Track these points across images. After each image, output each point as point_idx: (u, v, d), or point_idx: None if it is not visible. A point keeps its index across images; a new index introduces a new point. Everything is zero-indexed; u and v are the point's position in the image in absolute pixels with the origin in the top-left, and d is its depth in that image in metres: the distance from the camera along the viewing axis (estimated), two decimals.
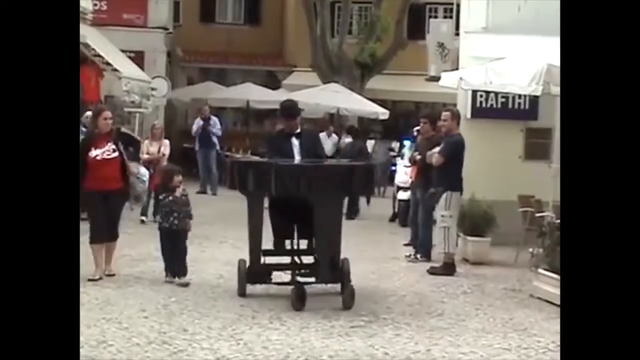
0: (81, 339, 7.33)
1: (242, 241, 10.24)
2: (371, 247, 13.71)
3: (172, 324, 8.10)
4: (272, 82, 30.91)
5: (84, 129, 15.12)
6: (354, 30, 29.71)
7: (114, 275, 10.26)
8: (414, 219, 12.97)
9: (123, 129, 11.10)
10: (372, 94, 27.42)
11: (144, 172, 10.76)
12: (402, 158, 17.28)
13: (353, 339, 7.88)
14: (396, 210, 17.19)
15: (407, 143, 17.54)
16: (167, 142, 15.67)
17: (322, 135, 24.41)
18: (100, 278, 9.96)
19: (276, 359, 7.18)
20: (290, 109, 10.15)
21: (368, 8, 28.80)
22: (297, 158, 9.60)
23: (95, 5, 23.15)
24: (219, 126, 21.55)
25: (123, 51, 22.68)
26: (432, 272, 11.38)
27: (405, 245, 13.39)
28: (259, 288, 9.56)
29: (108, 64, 19.32)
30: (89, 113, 15.27)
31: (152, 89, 22.51)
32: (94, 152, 10.00)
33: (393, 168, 18.32)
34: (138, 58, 24.51)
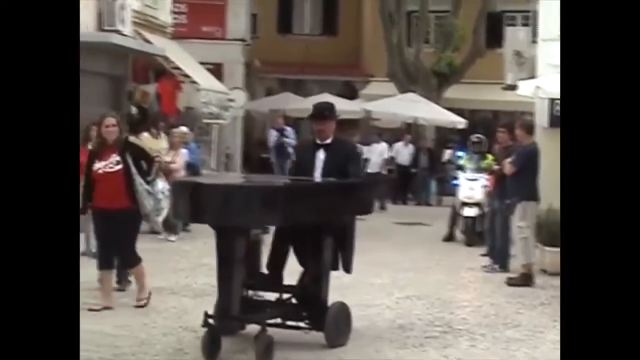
0: (157, 347, 7.47)
1: None
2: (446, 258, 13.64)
3: None
4: (349, 92, 30.98)
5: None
6: (430, 39, 29.59)
7: (142, 306, 9.04)
8: (491, 229, 12.85)
9: (132, 139, 9.61)
10: (449, 103, 27.30)
11: (161, 187, 9.17)
12: (463, 171, 15.82)
13: (427, 349, 7.84)
14: (462, 227, 15.63)
15: (462, 154, 17.10)
16: (184, 152, 14.96)
17: (399, 144, 24.51)
18: (104, 308, 8.80)
19: None
20: (320, 111, 7.99)
21: (445, 17, 28.68)
22: (317, 176, 7.76)
23: (175, 18, 23.51)
24: (293, 136, 21.66)
25: (202, 63, 22.98)
26: (511, 283, 11.26)
27: (482, 255, 13.28)
28: None
29: (186, 76, 19.60)
30: (183, 128, 15.65)
31: (230, 100, 22.78)
32: (97, 165, 8.86)
33: (455, 182, 16.51)
34: (217, 70, 24.84)
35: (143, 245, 13.12)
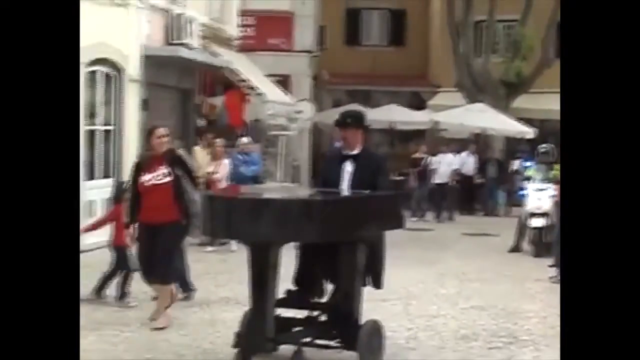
0: (220, 356, 7.52)
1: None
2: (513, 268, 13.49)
3: None
4: (417, 102, 30.91)
5: (239, 156, 15.41)
6: (499, 48, 29.36)
7: (161, 328, 8.49)
8: (559, 240, 12.67)
9: (179, 151, 9.35)
10: (518, 113, 27.02)
11: None
12: (531, 181, 15.68)
13: None
14: (529, 238, 15.40)
15: (530, 164, 16.90)
16: (226, 162, 14.57)
17: (463, 154, 24.29)
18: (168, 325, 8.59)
19: None
20: (343, 118, 7.46)
21: (513, 26, 28.42)
22: (344, 188, 7.31)
23: (243, 31, 23.73)
24: None
25: (269, 75, 23.15)
26: None
27: (550, 266, 13.09)
28: None
29: (253, 88, 19.76)
30: (244, 139, 15.76)
31: (298, 112, 22.88)
32: (144, 177, 8.52)
33: (522, 192, 16.33)
34: (284, 82, 24.98)
35: (211, 257, 13.32)
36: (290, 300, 7.14)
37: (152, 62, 16.46)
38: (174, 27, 17.36)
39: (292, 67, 26.18)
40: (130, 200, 8.67)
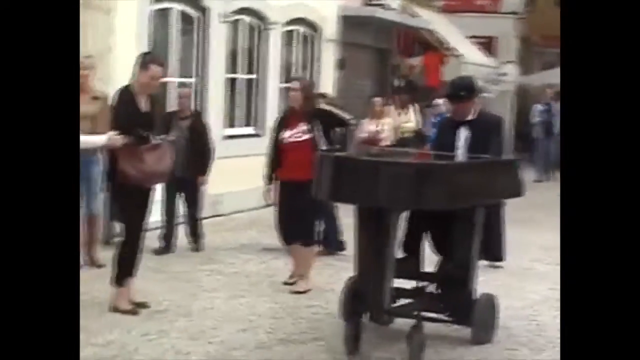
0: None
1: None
2: None
3: None
4: None
5: (432, 119, 15.36)
6: None
7: (304, 291, 8.29)
8: None
9: (324, 105, 8.79)
10: None
11: None
12: None
13: None
14: None
15: None
16: (389, 120, 13.66)
17: None
18: (294, 282, 8.46)
19: None
20: (455, 92, 7.11)
21: None
22: (460, 154, 6.97)
23: None
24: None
25: (474, 37, 23.02)
26: None
27: None
28: None
29: (451, 49, 19.79)
30: (439, 100, 15.83)
31: (501, 74, 22.62)
32: (284, 134, 8.33)
33: None
34: (489, 44, 24.76)
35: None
36: (398, 269, 6.49)
37: (349, 23, 16.84)
38: None
39: (498, 29, 25.84)
40: (270, 156, 8.51)
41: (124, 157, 7.08)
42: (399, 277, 6.56)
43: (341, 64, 16.91)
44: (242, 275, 9.02)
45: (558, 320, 6.00)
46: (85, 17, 10.17)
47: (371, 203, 6.10)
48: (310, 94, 8.41)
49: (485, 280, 7.59)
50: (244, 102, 13.99)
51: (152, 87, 7.35)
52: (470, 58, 20.12)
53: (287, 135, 8.28)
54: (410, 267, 6.86)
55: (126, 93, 7.27)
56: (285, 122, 8.42)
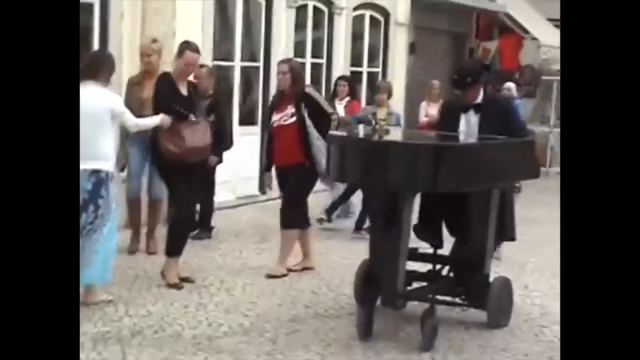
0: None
1: None
2: None
3: None
4: None
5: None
6: None
7: (280, 276, 8.12)
8: None
9: (309, 90, 8.31)
10: None
11: None
12: None
13: None
14: None
15: None
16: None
17: None
18: (286, 274, 8.19)
19: None
20: (460, 79, 6.87)
21: None
22: (466, 138, 6.85)
23: None
24: None
25: (556, 20, 22.63)
26: None
27: None
28: None
29: (528, 32, 19.60)
30: (509, 84, 15.73)
31: None
32: (273, 118, 8.20)
33: None
34: None
35: None
36: (412, 252, 6.54)
37: (421, 6, 16.86)
38: None
39: None
40: (268, 142, 8.46)
41: (165, 136, 7.40)
42: (414, 260, 6.59)
43: (412, 48, 16.96)
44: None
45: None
46: (151, 3, 10.56)
47: (384, 185, 6.08)
48: (298, 76, 8.17)
49: None
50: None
51: (188, 73, 7.72)
52: (546, 41, 19.87)
53: (276, 118, 8.15)
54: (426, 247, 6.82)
55: (167, 78, 7.63)
56: (275, 106, 8.29)
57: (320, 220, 10.37)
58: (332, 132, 7.25)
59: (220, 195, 11.03)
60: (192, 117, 7.51)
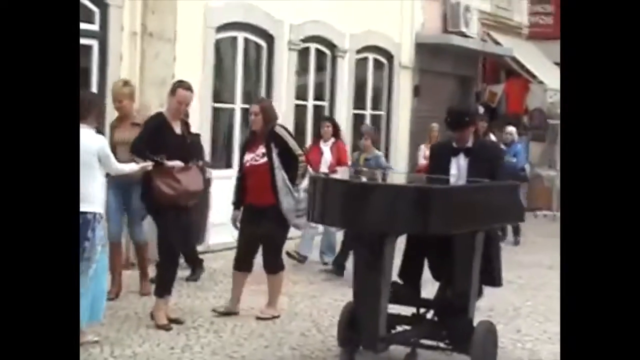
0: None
1: None
2: None
3: None
4: None
5: (503, 146, 15.22)
6: None
7: (270, 318, 8.11)
8: None
9: (278, 129, 8.14)
10: None
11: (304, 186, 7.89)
12: None
13: None
14: None
15: None
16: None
17: None
18: (229, 313, 8.15)
19: None
20: (456, 119, 6.84)
21: None
22: (456, 180, 6.81)
23: (541, 20, 23.46)
24: None
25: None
26: None
27: None
28: None
29: (535, 76, 19.64)
30: (511, 129, 15.69)
31: None
32: (246, 157, 8.15)
33: None
34: None
35: None
36: (396, 296, 6.41)
37: (426, 50, 16.93)
38: (451, 16, 17.74)
39: None
40: (237, 180, 8.34)
41: (158, 177, 7.44)
42: (398, 303, 6.51)
43: (416, 91, 17.02)
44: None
45: None
46: (150, 46, 10.64)
47: (366, 228, 6.04)
48: (270, 116, 8.09)
49: None
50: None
51: (181, 111, 7.75)
52: (553, 84, 19.90)
53: (248, 158, 8.10)
54: (410, 293, 6.71)
55: (159, 118, 7.68)
56: (248, 145, 8.24)
57: (290, 256, 10.50)
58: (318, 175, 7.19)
59: (218, 237, 11.06)
60: (176, 163, 7.52)
